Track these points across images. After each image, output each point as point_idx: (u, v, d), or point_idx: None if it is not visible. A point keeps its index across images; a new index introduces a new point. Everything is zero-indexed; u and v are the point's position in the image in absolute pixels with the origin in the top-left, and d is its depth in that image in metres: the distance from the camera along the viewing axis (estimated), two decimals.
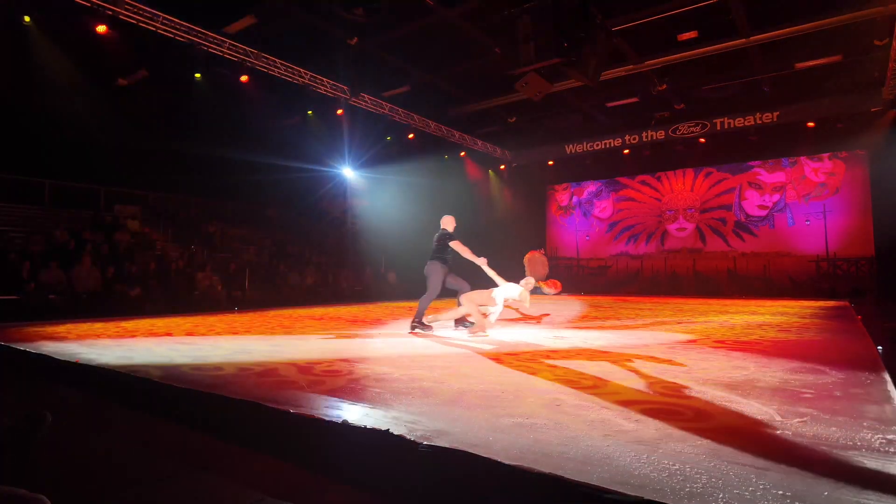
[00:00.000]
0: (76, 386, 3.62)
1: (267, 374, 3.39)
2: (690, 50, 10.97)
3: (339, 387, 3.01)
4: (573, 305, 10.83)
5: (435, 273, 5.96)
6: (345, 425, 2.22)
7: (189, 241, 13.82)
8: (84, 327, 6.33)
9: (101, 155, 13.62)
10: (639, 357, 4.02)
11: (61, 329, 6.08)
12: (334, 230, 19.12)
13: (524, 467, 1.73)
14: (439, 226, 6.20)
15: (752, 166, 15.94)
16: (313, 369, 3.54)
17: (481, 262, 5.74)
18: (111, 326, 6.46)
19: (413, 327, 5.87)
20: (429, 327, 5.87)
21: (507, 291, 5.60)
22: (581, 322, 7.24)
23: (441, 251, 6.03)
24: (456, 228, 6.21)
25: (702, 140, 15.20)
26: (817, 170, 15.04)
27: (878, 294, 13.06)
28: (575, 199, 19.30)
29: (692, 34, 10.65)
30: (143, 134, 14.56)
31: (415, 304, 6.17)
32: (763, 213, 15.68)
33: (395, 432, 2.06)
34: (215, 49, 10.25)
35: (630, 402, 2.63)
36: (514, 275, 5.97)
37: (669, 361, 3.81)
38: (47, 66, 10.74)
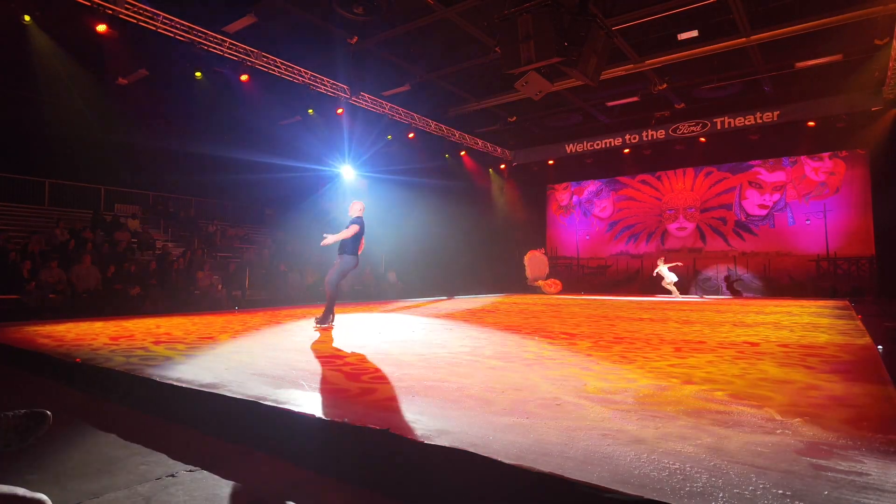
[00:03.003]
0: (76, 386, 3.62)
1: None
2: (691, 49, 10.96)
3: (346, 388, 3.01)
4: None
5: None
6: (345, 425, 2.22)
7: (189, 240, 13.83)
8: (86, 326, 6.33)
9: (102, 154, 13.64)
10: (645, 357, 4.02)
11: (61, 328, 6.08)
12: (334, 230, 19.10)
13: (524, 466, 1.73)
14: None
15: (753, 165, 15.94)
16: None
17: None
18: (109, 326, 6.46)
19: None
20: None
21: None
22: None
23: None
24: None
25: (702, 139, 15.20)
26: (818, 169, 15.03)
27: (879, 293, 13.06)
28: (575, 198, 19.29)
29: (692, 33, 10.64)
30: (143, 133, 14.58)
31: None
32: (763, 212, 15.68)
33: (395, 432, 2.06)
34: (215, 48, 10.25)
35: (628, 401, 2.62)
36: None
37: (677, 358, 3.81)
38: (47, 66, 10.74)
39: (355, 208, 6.44)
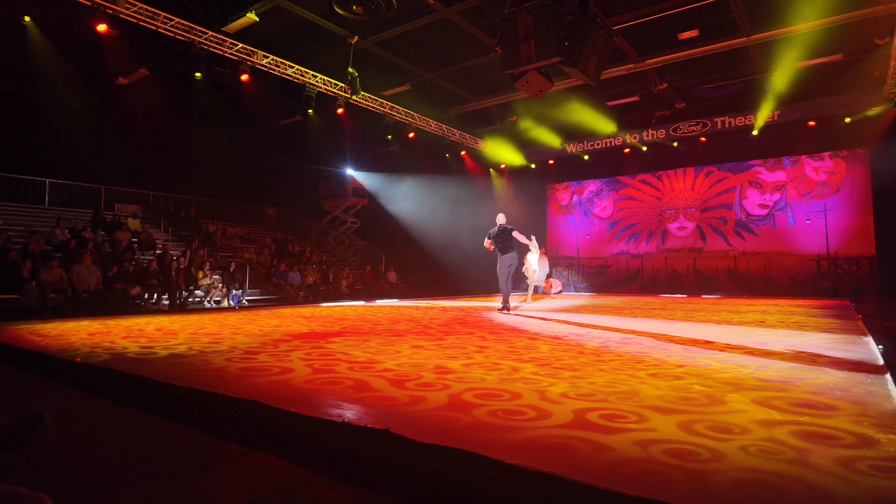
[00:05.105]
0: (76, 385, 3.62)
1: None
2: (691, 49, 10.96)
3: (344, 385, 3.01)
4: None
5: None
6: (345, 425, 2.22)
7: (189, 240, 13.83)
8: (73, 325, 6.32)
9: (102, 154, 13.64)
10: (640, 359, 4.02)
11: (48, 326, 6.08)
12: (334, 229, 19.12)
13: (525, 466, 1.72)
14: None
15: (753, 165, 15.93)
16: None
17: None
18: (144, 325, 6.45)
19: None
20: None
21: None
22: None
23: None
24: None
25: (702, 139, 15.19)
26: (818, 168, 15.02)
27: (879, 293, 13.06)
28: (575, 198, 19.28)
29: (693, 33, 10.64)
30: (143, 133, 14.58)
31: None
32: (764, 211, 15.67)
33: (395, 431, 2.06)
34: (216, 48, 10.25)
35: (625, 399, 2.62)
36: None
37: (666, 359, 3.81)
38: (48, 66, 10.74)
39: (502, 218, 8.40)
